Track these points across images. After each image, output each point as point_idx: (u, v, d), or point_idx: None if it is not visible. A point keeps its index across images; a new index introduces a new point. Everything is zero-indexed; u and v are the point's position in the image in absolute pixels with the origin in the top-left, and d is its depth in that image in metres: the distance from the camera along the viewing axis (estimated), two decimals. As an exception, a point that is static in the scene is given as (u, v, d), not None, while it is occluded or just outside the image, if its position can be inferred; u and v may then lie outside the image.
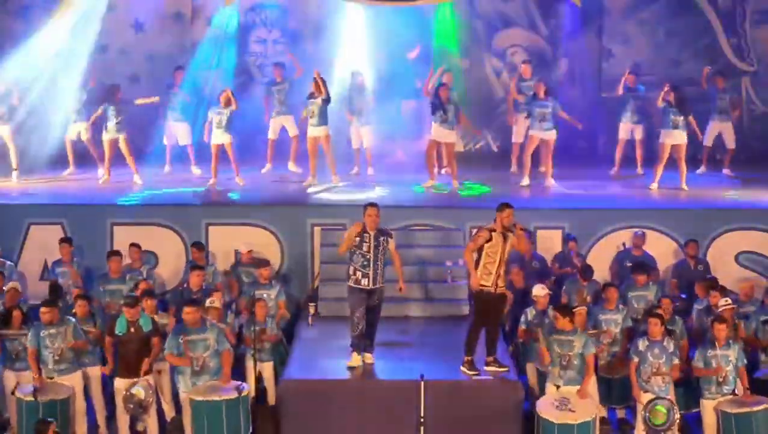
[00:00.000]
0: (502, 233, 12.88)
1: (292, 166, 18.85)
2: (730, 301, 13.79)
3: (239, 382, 12.91)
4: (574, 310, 13.36)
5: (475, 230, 16.16)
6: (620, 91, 19.05)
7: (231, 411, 12.48)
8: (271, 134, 19.02)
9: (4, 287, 14.32)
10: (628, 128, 19.06)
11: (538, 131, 18.11)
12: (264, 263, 14.96)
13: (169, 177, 18.92)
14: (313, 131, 17.91)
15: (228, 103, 17.84)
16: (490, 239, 12.86)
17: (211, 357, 12.85)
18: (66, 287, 15.06)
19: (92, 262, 15.82)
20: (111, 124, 18.05)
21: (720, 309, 13.60)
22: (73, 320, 13.38)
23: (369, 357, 13.43)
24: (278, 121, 18.94)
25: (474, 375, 12.93)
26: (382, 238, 13.20)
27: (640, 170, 19.05)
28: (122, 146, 18.09)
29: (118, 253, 15.10)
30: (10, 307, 13.77)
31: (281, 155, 19.00)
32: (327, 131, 17.98)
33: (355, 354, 13.29)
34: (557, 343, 12.98)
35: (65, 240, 15.61)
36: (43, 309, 13.18)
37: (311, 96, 17.86)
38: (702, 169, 19.43)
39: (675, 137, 17.83)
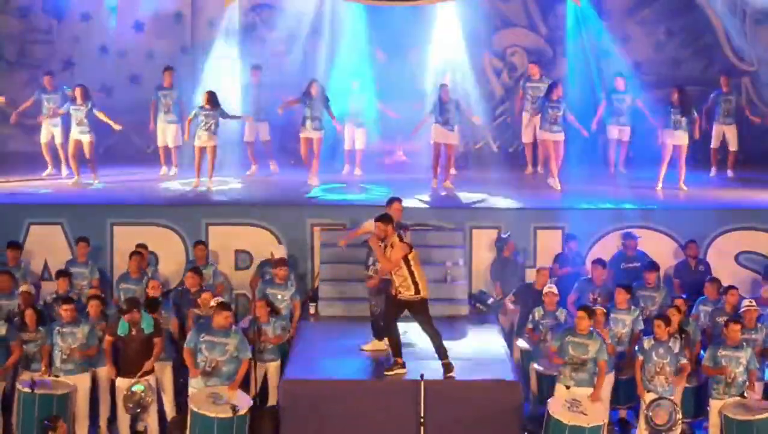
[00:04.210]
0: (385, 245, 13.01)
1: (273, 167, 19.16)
2: (754, 302, 13.75)
3: (244, 395, 12.83)
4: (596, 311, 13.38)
5: (475, 231, 16.31)
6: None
7: (223, 430, 12.31)
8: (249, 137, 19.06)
9: (17, 291, 14.38)
10: (616, 130, 19.14)
11: (548, 133, 18.10)
12: (281, 262, 14.91)
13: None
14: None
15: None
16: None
17: (226, 362, 12.83)
18: (79, 287, 15.06)
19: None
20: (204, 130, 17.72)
21: (743, 309, 13.56)
22: (91, 322, 13.42)
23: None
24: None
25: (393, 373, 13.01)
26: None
27: (622, 169, 19.25)
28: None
29: (139, 253, 15.08)
30: (24, 309, 13.82)
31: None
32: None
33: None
34: (572, 345, 12.94)
35: (82, 239, 15.54)
36: (64, 306, 13.26)
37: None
38: (713, 172, 19.40)
39: (676, 137, 17.85)
